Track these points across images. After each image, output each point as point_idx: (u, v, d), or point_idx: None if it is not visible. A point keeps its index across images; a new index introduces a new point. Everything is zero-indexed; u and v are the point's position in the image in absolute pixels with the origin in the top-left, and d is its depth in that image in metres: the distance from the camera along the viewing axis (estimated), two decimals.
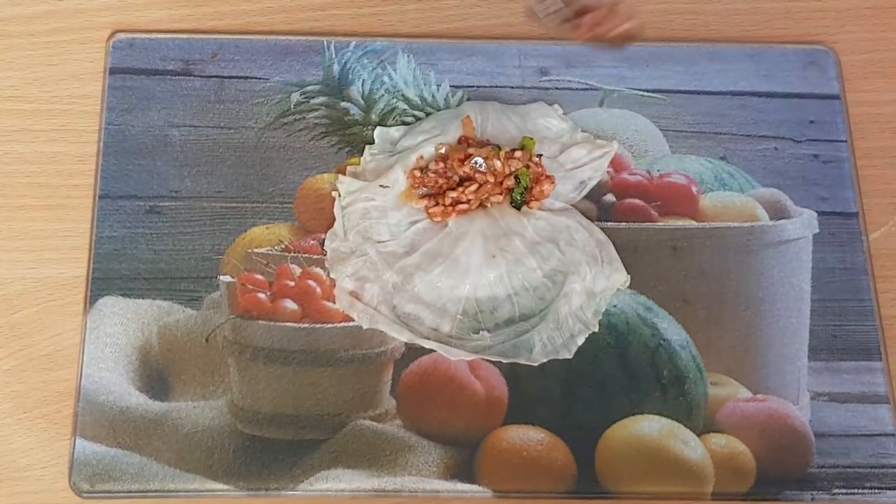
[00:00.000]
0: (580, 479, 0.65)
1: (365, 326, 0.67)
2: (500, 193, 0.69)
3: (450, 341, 0.67)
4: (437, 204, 0.69)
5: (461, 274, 0.68)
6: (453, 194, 0.69)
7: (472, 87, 0.75)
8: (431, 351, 0.67)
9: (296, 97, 0.74)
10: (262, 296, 0.68)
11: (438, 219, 0.69)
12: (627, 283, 0.69)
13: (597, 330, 0.68)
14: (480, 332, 0.67)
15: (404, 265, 0.68)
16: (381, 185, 0.70)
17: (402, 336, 0.67)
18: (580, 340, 0.67)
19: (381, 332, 0.67)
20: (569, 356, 0.67)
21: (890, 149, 0.75)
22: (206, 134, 0.73)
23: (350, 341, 0.67)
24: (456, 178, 0.70)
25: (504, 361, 0.67)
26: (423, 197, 0.69)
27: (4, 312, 0.68)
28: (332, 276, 0.68)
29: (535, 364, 0.67)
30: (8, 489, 0.65)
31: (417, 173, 0.69)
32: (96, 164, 0.71)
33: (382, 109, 0.73)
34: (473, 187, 0.69)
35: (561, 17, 0.68)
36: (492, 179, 0.69)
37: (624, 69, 0.75)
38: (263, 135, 0.72)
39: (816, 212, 0.72)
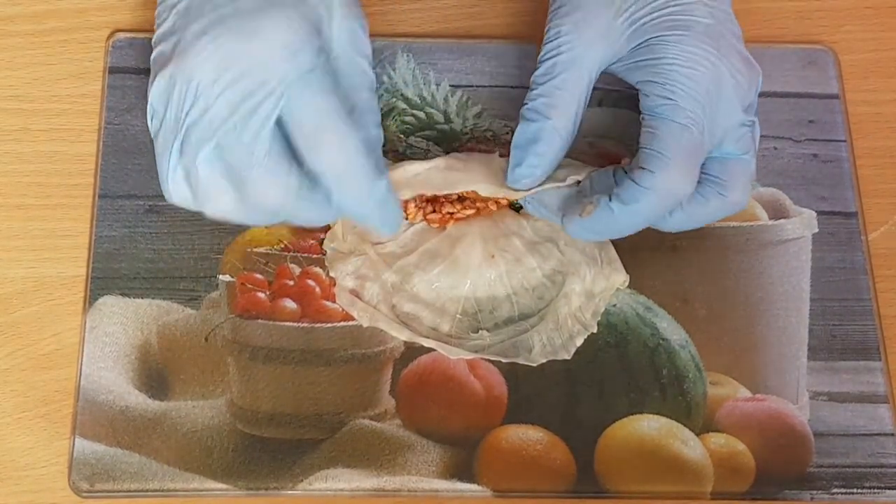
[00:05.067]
0: (579, 479, 0.65)
1: (365, 325, 0.67)
2: (498, 207, 0.70)
3: (449, 340, 0.67)
4: (433, 211, 0.69)
5: (460, 274, 0.68)
6: (451, 209, 0.69)
7: (472, 86, 0.75)
8: (431, 350, 0.67)
9: None
10: (261, 295, 0.68)
11: (436, 225, 0.69)
12: (626, 283, 0.69)
13: (595, 331, 0.68)
14: (480, 331, 0.67)
15: (403, 265, 0.68)
16: None
17: (402, 335, 0.67)
18: (579, 341, 0.67)
19: (381, 331, 0.67)
20: (567, 357, 0.67)
21: (889, 148, 0.75)
22: None
23: (349, 341, 0.67)
24: (455, 196, 0.69)
25: (503, 361, 0.67)
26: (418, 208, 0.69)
27: (3, 312, 0.68)
28: (332, 274, 0.69)
29: (535, 364, 0.67)
30: (7, 489, 0.65)
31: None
32: (96, 163, 0.71)
33: (381, 109, 0.73)
34: (471, 211, 0.69)
35: None
36: (494, 207, 0.69)
37: None
38: None
39: (816, 211, 0.72)
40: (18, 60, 0.74)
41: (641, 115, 0.66)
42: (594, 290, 0.68)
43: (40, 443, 0.65)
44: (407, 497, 0.65)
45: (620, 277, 0.69)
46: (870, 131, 0.75)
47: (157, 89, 0.63)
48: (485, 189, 0.68)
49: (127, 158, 0.72)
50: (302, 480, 0.64)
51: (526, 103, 0.66)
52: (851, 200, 0.73)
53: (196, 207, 0.64)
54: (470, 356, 0.67)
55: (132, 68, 0.74)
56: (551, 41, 0.66)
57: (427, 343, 0.67)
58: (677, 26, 0.65)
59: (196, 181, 0.62)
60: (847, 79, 0.76)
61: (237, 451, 0.65)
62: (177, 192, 0.63)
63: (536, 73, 0.66)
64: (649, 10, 0.66)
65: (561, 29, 0.66)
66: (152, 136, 0.64)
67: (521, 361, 0.67)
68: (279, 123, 0.62)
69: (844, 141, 0.75)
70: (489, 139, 0.72)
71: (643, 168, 0.63)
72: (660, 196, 0.63)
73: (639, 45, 0.66)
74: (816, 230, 0.72)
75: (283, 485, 0.64)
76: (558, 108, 0.65)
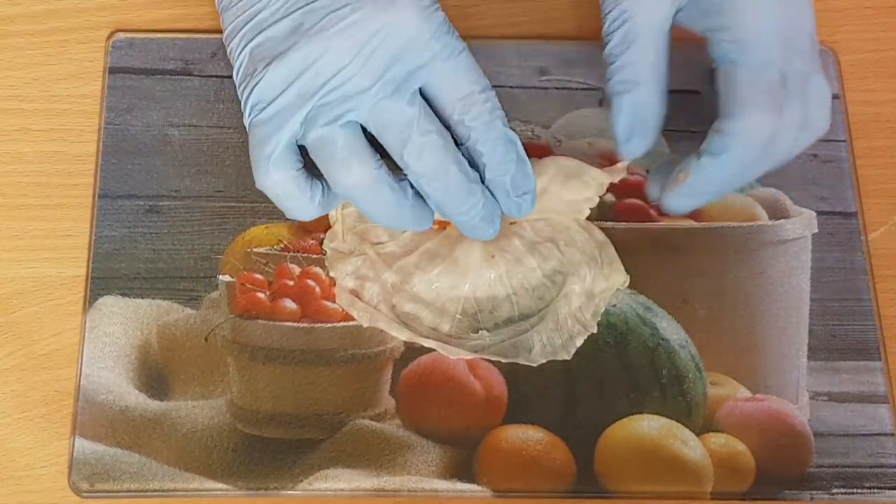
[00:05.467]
0: (579, 479, 0.65)
1: (365, 325, 0.67)
2: None
3: (449, 340, 0.67)
4: None
5: (460, 274, 0.68)
6: None
7: None
8: (430, 350, 0.67)
9: None
10: (261, 295, 0.68)
11: (436, 226, 0.69)
12: (626, 284, 0.69)
13: (595, 331, 0.68)
14: (479, 331, 0.67)
15: (403, 265, 0.68)
16: None
17: (402, 335, 0.67)
18: (579, 342, 0.67)
19: (381, 331, 0.67)
20: (567, 357, 0.67)
21: (890, 149, 0.75)
22: (205, 134, 0.73)
23: (349, 341, 0.67)
24: None
25: (503, 361, 0.67)
26: None
27: (3, 312, 0.68)
28: (332, 274, 0.69)
29: (535, 364, 0.67)
30: (7, 489, 0.65)
31: None
32: (96, 163, 0.71)
33: None
34: None
35: None
36: None
37: None
38: None
39: (816, 211, 0.72)
40: (18, 60, 0.74)
41: (714, 65, 0.65)
42: (594, 290, 0.68)
43: (40, 443, 0.65)
44: (407, 497, 0.65)
45: (620, 278, 0.69)
46: (870, 131, 0.75)
47: (284, 69, 0.62)
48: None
49: (127, 158, 0.72)
50: (302, 480, 0.64)
51: (610, 78, 0.65)
52: (851, 200, 0.73)
53: (294, 191, 0.63)
54: (470, 356, 0.67)
55: (132, 68, 0.74)
56: (612, 10, 0.65)
57: (427, 343, 0.67)
58: None
59: (333, 146, 0.62)
60: (847, 79, 0.76)
61: (237, 451, 0.65)
62: (282, 175, 0.63)
63: (610, 45, 0.65)
64: None
65: None
66: (253, 125, 0.63)
67: (521, 361, 0.67)
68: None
69: (844, 141, 0.75)
70: None
71: (725, 116, 0.63)
72: (748, 140, 0.63)
73: None
74: (816, 230, 0.72)
75: (283, 485, 0.64)
76: (645, 76, 0.65)
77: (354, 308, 0.68)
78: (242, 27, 0.63)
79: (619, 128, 0.66)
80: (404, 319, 0.68)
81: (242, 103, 0.64)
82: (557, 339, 0.67)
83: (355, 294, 0.68)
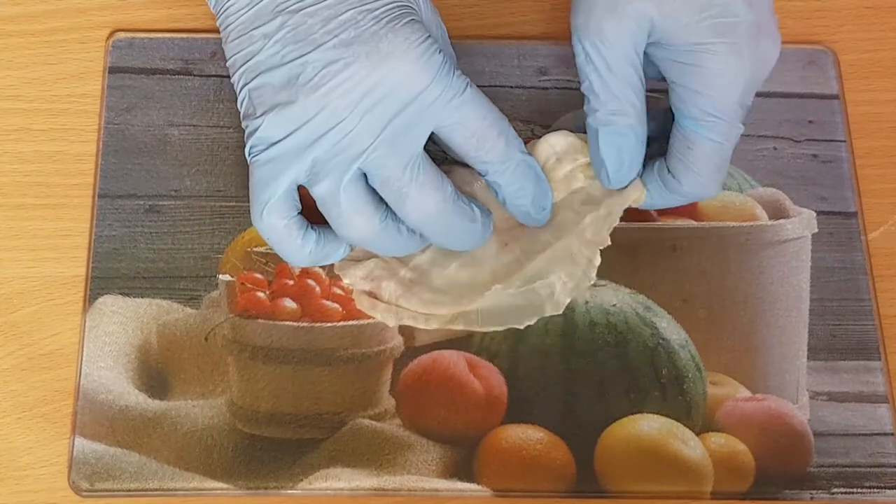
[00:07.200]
0: (579, 478, 0.65)
1: (391, 325, 0.67)
2: None
3: (468, 315, 0.67)
4: None
5: (478, 265, 0.68)
6: None
7: None
8: (430, 350, 0.67)
9: None
10: (261, 295, 0.68)
11: None
12: (643, 199, 0.68)
13: (609, 243, 0.68)
14: (493, 287, 0.67)
15: (418, 263, 0.68)
16: None
17: (430, 325, 0.67)
18: (597, 261, 0.67)
19: (381, 330, 0.67)
20: (590, 283, 0.67)
21: (889, 148, 0.75)
22: (205, 133, 0.73)
23: (349, 340, 0.67)
24: None
25: (531, 322, 0.67)
26: None
27: (3, 312, 0.68)
28: (346, 282, 0.68)
29: (560, 312, 0.67)
30: (7, 488, 0.65)
31: None
32: (95, 163, 0.71)
33: None
34: None
35: None
36: None
37: None
38: None
39: (815, 211, 0.72)
40: (18, 60, 0.74)
41: (675, 117, 0.66)
42: (610, 210, 0.68)
43: (40, 443, 0.65)
44: (407, 497, 0.65)
45: (635, 193, 0.68)
46: (870, 131, 0.75)
47: (282, 120, 0.62)
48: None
49: (127, 158, 0.72)
50: (302, 480, 0.64)
51: (596, 110, 0.66)
52: (851, 200, 0.73)
53: (285, 238, 0.64)
54: (494, 328, 0.66)
55: (132, 68, 0.74)
56: (583, 43, 0.65)
57: (455, 326, 0.66)
58: (722, 32, 0.64)
59: (336, 205, 0.63)
60: (847, 79, 0.76)
61: (237, 451, 0.65)
62: (275, 221, 0.64)
63: (590, 79, 0.65)
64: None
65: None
66: (253, 163, 0.63)
67: (547, 311, 0.66)
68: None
69: (844, 141, 0.75)
70: None
71: (676, 177, 0.67)
72: (686, 198, 0.68)
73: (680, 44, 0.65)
74: (816, 230, 0.72)
75: (283, 484, 0.64)
76: (629, 108, 0.65)
77: (377, 310, 0.67)
78: (241, 66, 0.63)
79: (609, 161, 0.66)
80: (425, 310, 0.67)
81: (245, 136, 0.64)
82: (577, 270, 0.67)
83: (373, 296, 0.68)
